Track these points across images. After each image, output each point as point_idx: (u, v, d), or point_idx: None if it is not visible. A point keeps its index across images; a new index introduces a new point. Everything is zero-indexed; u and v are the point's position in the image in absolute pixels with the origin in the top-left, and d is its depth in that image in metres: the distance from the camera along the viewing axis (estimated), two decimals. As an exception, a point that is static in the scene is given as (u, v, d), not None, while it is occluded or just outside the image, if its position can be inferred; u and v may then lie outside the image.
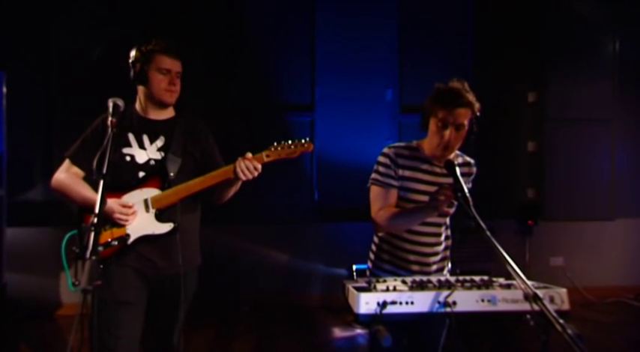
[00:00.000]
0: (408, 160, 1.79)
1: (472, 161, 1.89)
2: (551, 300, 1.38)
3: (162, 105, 1.83)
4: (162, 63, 1.78)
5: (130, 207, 1.71)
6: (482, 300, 1.37)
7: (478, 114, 1.73)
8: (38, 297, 3.74)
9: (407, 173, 1.77)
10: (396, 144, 1.84)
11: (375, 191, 1.79)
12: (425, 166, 1.79)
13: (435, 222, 1.79)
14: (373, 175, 1.81)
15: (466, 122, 1.70)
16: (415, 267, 1.80)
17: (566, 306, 1.39)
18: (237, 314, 3.86)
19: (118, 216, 1.69)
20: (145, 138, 1.81)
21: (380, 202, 1.76)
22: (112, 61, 3.40)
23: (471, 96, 1.71)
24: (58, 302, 3.79)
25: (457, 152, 1.85)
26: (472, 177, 1.88)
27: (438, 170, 1.79)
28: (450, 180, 1.61)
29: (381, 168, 1.79)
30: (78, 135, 1.85)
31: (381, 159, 1.80)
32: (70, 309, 3.77)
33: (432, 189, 1.65)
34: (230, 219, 3.60)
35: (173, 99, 1.83)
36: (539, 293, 1.25)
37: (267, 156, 1.74)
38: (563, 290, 1.41)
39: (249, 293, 4.00)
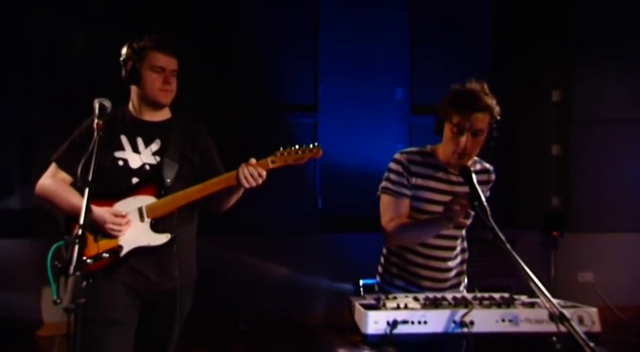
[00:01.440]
0: (422, 167, 1.80)
1: (491, 168, 1.89)
2: (580, 321, 1.37)
3: (156, 105, 1.85)
4: (156, 60, 1.79)
5: (123, 216, 1.72)
6: (503, 320, 1.37)
7: (498, 118, 1.73)
8: (16, 316, 3.74)
9: (420, 181, 1.79)
10: (409, 149, 1.86)
11: (385, 200, 1.80)
12: (440, 174, 1.80)
13: (450, 234, 1.80)
14: (384, 183, 1.82)
15: (484, 127, 1.71)
16: (427, 283, 1.80)
17: (596, 327, 1.39)
18: (234, 333, 3.85)
19: (110, 226, 1.70)
20: (140, 141, 1.83)
21: (391, 212, 1.77)
22: (97, 58, 3.43)
23: (489, 100, 1.71)
24: (39, 321, 3.79)
25: (475, 158, 1.86)
26: (490, 185, 1.89)
27: (454, 178, 1.80)
28: (466, 189, 1.62)
29: (392, 176, 1.80)
30: (59, 139, 1.87)
31: (392, 165, 1.82)
32: (53, 329, 3.77)
33: (448, 198, 1.66)
34: (225, 229, 3.60)
35: (168, 100, 1.85)
36: (567, 312, 1.24)
37: (273, 162, 1.76)
38: (594, 310, 1.41)
39: (246, 311, 3.99)
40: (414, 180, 1.78)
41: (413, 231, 1.74)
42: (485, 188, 1.85)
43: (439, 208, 1.71)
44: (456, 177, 1.79)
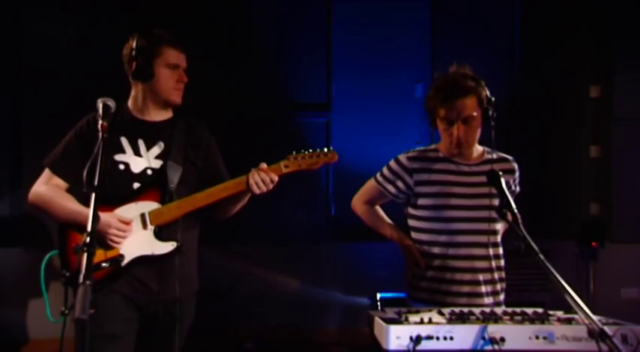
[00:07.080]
0: (427, 163, 1.93)
1: (509, 157, 1.97)
2: (623, 340, 1.39)
3: (167, 105, 1.91)
4: (173, 57, 1.85)
5: (128, 222, 1.77)
6: (537, 337, 1.39)
7: (490, 98, 1.84)
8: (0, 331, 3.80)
9: (434, 177, 1.90)
10: (412, 150, 2.01)
11: (371, 184, 2.06)
12: (450, 166, 1.92)
13: (477, 229, 1.88)
14: (377, 174, 2.03)
15: (474, 112, 1.81)
16: (465, 289, 1.86)
17: (641, 347, 1.41)
18: (238, 352, 3.89)
19: (114, 231, 1.74)
20: (141, 143, 1.88)
21: (367, 196, 2.08)
22: (92, 54, 3.50)
23: (472, 82, 1.82)
24: (24, 338, 3.83)
25: (486, 149, 1.95)
26: (516, 176, 1.97)
27: (466, 168, 1.91)
28: (483, 178, 1.71)
29: (386, 171, 2.00)
30: (52, 141, 1.92)
31: (391, 163, 2.00)
32: (39, 346, 3.81)
33: (469, 190, 1.83)
34: (229, 237, 3.64)
35: (181, 99, 1.91)
36: (608, 330, 1.26)
37: (286, 166, 1.82)
38: (638, 328, 1.43)
39: (252, 327, 4.02)
40: (416, 177, 1.90)
41: (368, 223, 2.13)
42: (510, 178, 1.92)
43: (463, 201, 1.84)
44: (468, 167, 1.89)
